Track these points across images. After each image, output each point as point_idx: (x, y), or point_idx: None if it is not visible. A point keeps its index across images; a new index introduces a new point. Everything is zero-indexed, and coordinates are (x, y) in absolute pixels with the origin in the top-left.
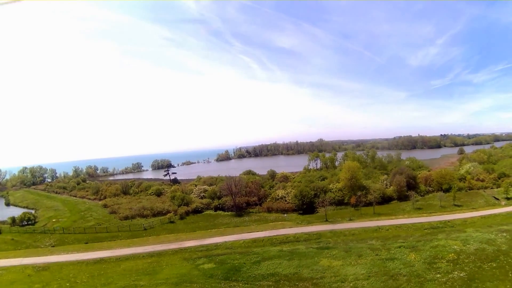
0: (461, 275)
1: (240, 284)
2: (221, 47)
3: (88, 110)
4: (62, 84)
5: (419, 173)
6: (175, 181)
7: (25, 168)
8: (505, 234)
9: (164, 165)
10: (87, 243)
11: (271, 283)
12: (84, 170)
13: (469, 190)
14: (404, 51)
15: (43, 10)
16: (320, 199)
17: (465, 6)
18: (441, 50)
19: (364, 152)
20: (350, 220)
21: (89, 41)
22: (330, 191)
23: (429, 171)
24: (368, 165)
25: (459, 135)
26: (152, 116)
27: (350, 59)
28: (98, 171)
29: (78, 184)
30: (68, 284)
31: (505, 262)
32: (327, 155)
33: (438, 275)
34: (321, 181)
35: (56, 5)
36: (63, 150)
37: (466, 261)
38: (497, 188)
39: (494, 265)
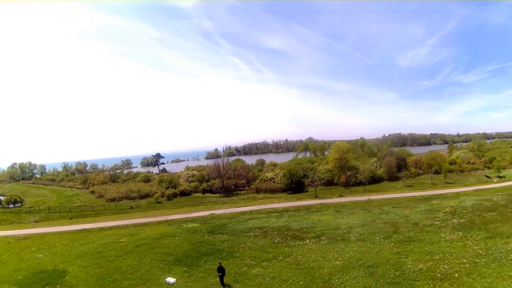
0: (461, 221)
1: (225, 236)
2: (210, 48)
3: (78, 111)
4: (51, 85)
5: (409, 158)
6: (163, 171)
7: (15, 164)
8: (501, 196)
9: (153, 162)
10: (71, 218)
11: (258, 234)
12: (74, 167)
13: (460, 172)
14: (394, 52)
15: (31, 10)
16: (309, 179)
17: (455, 7)
18: (431, 51)
19: (353, 143)
20: (340, 196)
21: (77, 41)
22: (319, 172)
23: None
24: (357, 152)
25: (449, 135)
26: (141, 116)
27: (340, 60)
28: (87, 168)
29: (66, 176)
30: (46, 247)
31: (504, 211)
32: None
33: (437, 222)
34: (310, 164)
35: (44, 5)
36: (54, 151)
37: (464, 211)
38: (488, 170)
39: (494, 213)
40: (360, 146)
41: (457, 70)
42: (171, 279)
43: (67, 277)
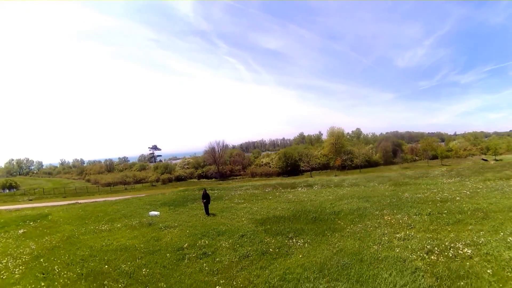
0: (459, 177)
1: (216, 191)
2: (206, 48)
3: (75, 111)
4: (48, 85)
5: (405, 146)
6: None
7: (12, 159)
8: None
9: (150, 157)
10: (65, 197)
11: (249, 188)
12: (71, 163)
13: (457, 158)
14: (391, 52)
15: (26, 10)
16: (304, 162)
17: (453, 7)
18: (428, 51)
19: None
20: (335, 176)
21: (74, 42)
22: (315, 157)
23: None
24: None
25: (446, 134)
26: (138, 117)
27: (337, 61)
28: (84, 165)
29: (63, 169)
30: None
31: (501, 168)
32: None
33: (432, 175)
34: (307, 150)
35: (38, 4)
36: (52, 151)
37: (461, 169)
38: (485, 155)
39: (492, 169)
40: (356, 137)
41: (454, 70)
42: (154, 212)
43: (49, 217)
